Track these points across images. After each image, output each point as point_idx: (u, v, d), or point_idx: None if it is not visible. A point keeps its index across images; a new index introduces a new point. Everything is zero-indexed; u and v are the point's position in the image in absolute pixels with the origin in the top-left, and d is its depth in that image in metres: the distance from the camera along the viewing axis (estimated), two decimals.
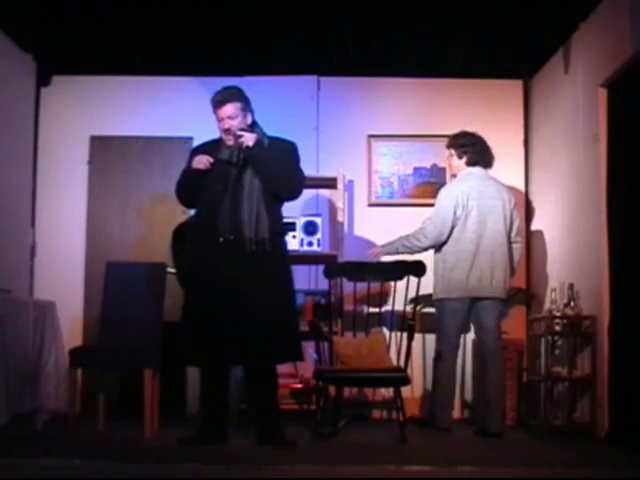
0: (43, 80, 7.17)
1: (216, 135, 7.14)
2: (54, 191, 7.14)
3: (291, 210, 6.94)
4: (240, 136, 5.16)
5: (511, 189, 7.16)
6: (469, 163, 6.19)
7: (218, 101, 5.29)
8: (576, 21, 6.08)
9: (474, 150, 6.19)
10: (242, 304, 5.07)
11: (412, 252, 6.09)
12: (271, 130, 7.12)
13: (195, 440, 5.15)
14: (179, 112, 7.13)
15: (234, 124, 5.25)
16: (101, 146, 7.21)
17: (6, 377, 5.18)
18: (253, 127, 5.34)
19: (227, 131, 5.26)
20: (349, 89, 7.31)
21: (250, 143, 5.15)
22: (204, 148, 5.38)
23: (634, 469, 4.54)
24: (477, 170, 6.17)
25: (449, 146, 6.28)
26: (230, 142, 5.25)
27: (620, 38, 5.42)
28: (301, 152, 7.06)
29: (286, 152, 5.37)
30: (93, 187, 7.20)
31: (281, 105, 7.23)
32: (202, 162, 5.20)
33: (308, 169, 6.99)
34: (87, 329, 6.95)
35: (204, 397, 5.35)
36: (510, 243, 6.09)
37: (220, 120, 5.29)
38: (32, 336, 5.66)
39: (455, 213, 5.99)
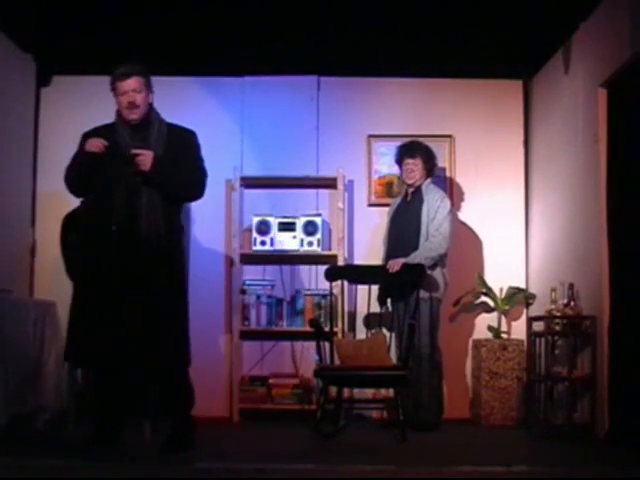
0: (43, 80, 7.16)
1: (225, 137, 7.19)
2: (54, 191, 7.12)
3: (291, 210, 6.98)
4: (135, 155, 4.87)
5: (511, 189, 7.21)
6: (429, 177, 6.42)
7: (122, 74, 4.98)
8: (576, 21, 6.08)
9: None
10: (129, 303, 4.81)
11: (435, 260, 6.17)
12: (271, 130, 7.20)
13: (87, 442, 4.93)
14: (179, 112, 7.09)
15: (138, 99, 4.97)
16: None
17: (6, 377, 5.19)
18: (151, 111, 5.07)
19: (131, 104, 4.96)
20: (349, 89, 7.30)
21: (146, 167, 4.86)
22: (97, 132, 5.03)
23: (634, 469, 4.53)
24: None
25: (421, 157, 6.37)
26: (133, 116, 4.97)
27: (620, 38, 5.42)
28: (301, 152, 7.16)
29: (186, 148, 5.09)
30: None
31: (281, 105, 7.24)
32: (96, 145, 4.88)
33: (308, 169, 7.07)
34: None
35: (95, 398, 5.09)
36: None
37: (123, 94, 4.96)
38: (32, 336, 5.67)
39: None
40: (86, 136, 5.08)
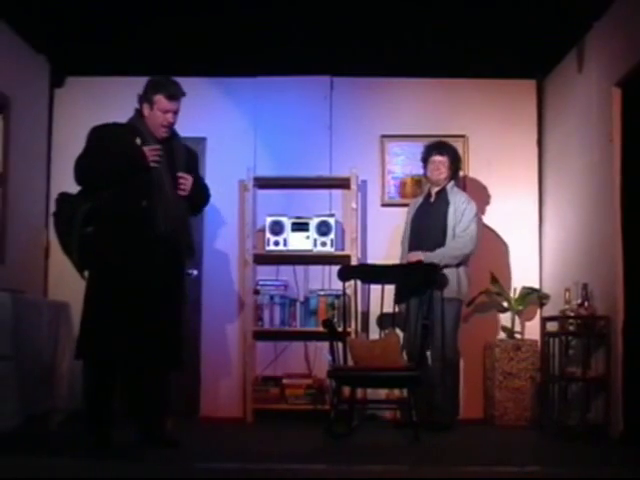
0: (57, 81, 7.19)
1: (239, 137, 7.18)
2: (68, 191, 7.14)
3: (304, 210, 6.98)
4: (179, 177, 4.99)
5: (524, 189, 7.20)
6: (452, 179, 6.42)
7: (174, 94, 4.97)
8: (589, 20, 6.07)
9: None
10: (159, 303, 4.92)
11: (459, 259, 6.18)
12: (284, 130, 7.20)
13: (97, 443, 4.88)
14: (192, 113, 7.11)
15: (175, 120, 5.03)
16: None
17: (21, 377, 5.20)
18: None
19: (170, 124, 5.01)
20: (362, 89, 7.30)
21: (186, 193, 5.00)
22: (114, 130, 5.01)
23: None
24: None
25: (449, 156, 6.37)
26: (165, 135, 5.00)
27: (634, 37, 5.41)
28: (314, 152, 7.17)
29: (196, 165, 5.30)
30: None
31: (294, 105, 7.25)
32: (154, 159, 4.91)
33: (321, 169, 7.07)
34: None
35: (97, 397, 4.98)
36: None
37: (165, 112, 4.96)
38: (46, 337, 5.69)
39: None
40: (96, 131, 5.06)
